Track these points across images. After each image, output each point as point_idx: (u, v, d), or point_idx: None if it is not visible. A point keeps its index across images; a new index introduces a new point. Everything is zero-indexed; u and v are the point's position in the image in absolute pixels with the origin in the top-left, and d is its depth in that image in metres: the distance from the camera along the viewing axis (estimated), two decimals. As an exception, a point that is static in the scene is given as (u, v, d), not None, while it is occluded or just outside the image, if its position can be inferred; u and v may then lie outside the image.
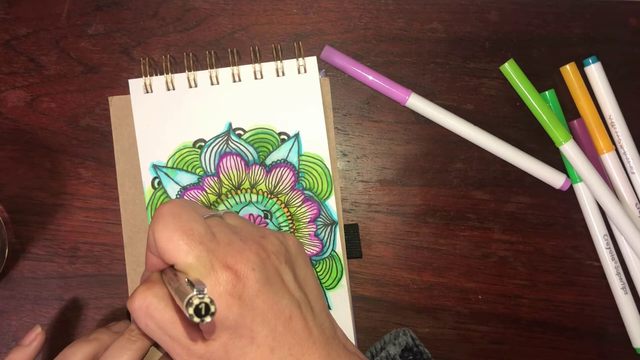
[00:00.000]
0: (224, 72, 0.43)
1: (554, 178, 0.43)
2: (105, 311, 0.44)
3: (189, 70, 0.43)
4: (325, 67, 0.44)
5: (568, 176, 0.44)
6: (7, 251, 0.43)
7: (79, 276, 0.44)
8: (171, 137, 0.43)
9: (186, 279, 0.29)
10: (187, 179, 0.43)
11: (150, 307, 0.31)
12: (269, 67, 0.43)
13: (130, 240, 0.43)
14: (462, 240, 0.44)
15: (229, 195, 0.43)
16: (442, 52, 0.44)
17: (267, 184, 0.43)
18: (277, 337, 0.31)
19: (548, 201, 0.44)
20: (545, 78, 0.44)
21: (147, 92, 0.43)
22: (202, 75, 0.43)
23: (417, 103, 0.43)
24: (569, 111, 0.44)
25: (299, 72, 0.43)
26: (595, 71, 0.44)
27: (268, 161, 0.43)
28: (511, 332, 0.44)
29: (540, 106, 0.43)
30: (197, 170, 0.43)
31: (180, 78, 0.43)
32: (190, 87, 0.43)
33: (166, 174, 0.43)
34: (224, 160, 0.43)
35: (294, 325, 0.32)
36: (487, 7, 0.44)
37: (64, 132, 0.44)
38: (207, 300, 0.27)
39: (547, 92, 0.44)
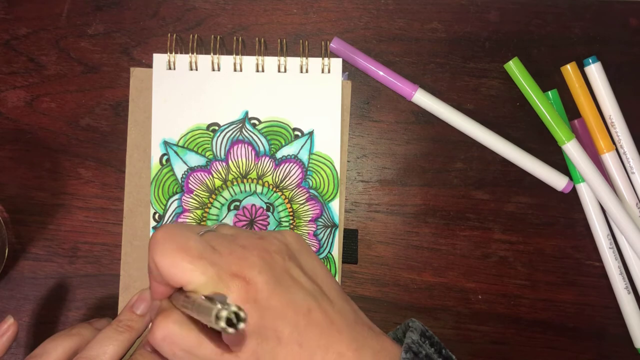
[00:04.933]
0: (249, 61, 0.44)
1: (556, 180, 0.43)
2: (106, 311, 0.44)
3: (215, 54, 0.43)
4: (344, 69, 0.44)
5: (570, 178, 0.44)
6: (7, 251, 0.43)
7: (79, 276, 0.44)
8: (186, 117, 0.43)
9: (202, 296, 0.29)
10: (195, 160, 0.43)
11: (174, 335, 0.31)
12: (293, 62, 0.43)
13: (130, 212, 0.44)
14: (462, 240, 0.44)
15: (235, 183, 0.43)
16: (442, 52, 0.44)
17: (274, 177, 0.43)
18: (302, 331, 0.31)
19: (548, 201, 0.44)
20: (545, 78, 0.44)
21: (170, 68, 0.43)
22: (227, 60, 0.44)
23: (423, 99, 0.43)
24: (569, 111, 0.44)
25: (322, 72, 0.43)
26: (595, 71, 0.43)
27: (278, 155, 0.43)
28: (511, 332, 0.44)
29: (544, 105, 0.43)
30: (207, 154, 0.43)
31: (204, 60, 0.44)
32: (213, 70, 0.43)
33: (176, 152, 0.43)
34: (235, 147, 0.43)
35: (315, 317, 0.32)
36: (487, 7, 0.44)
37: (64, 132, 0.44)
38: (234, 308, 0.26)
39: (549, 92, 0.44)
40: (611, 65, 0.44)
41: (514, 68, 0.43)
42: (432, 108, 0.44)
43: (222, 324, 0.26)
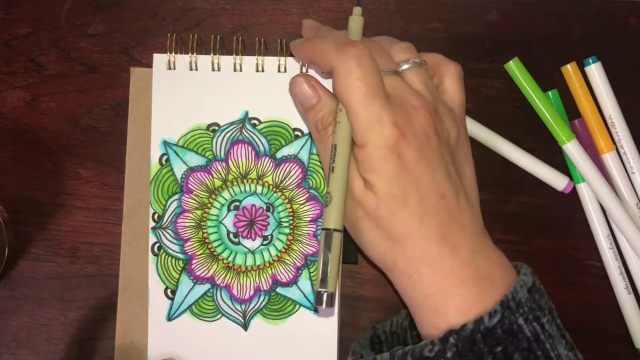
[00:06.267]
0: (249, 61, 0.43)
1: (556, 180, 0.43)
2: (106, 311, 0.44)
3: (215, 54, 0.43)
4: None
5: (571, 178, 0.44)
6: (7, 251, 0.43)
7: (79, 276, 0.44)
8: (186, 117, 0.43)
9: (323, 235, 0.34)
10: (195, 160, 0.43)
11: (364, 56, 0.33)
12: (293, 62, 0.43)
13: (130, 212, 0.43)
14: (462, 240, 0.44)
15: (235, 183, 0.43)
16: (442, 52, 0.44)
17: (274, 177, 0.43)
18: (428, 209, 0.31)
19: (548, 201, 0.44)
20: (545, 78, 0.44)
21: (170, 68, 0.43)
22: (227, 61, 0.43)
23: None
24: (569, 111, 0.44)
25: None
26: (595, 71, 0.43)
27: (278, 155, 0.43)
28: (511, 332, 0.44)
29: (544, 105, 0.43)
30: (207, 154, 0.43)
31: (204, 60, 0.43)
32: (213, 70, 0.43)
33: (175, 152, 0.43)
34: (235, 147, 0.43)
35: (446, 204, 0.32)
36: (487, 7, 0.44)
37: (64, 132, 0.44)
38: (331, 290, 0.33)
39: (550, 92, 0.44)
40: (611, 65, 0.44)
41: (514, 68, 0.43)
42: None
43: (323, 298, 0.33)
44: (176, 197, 0.43)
